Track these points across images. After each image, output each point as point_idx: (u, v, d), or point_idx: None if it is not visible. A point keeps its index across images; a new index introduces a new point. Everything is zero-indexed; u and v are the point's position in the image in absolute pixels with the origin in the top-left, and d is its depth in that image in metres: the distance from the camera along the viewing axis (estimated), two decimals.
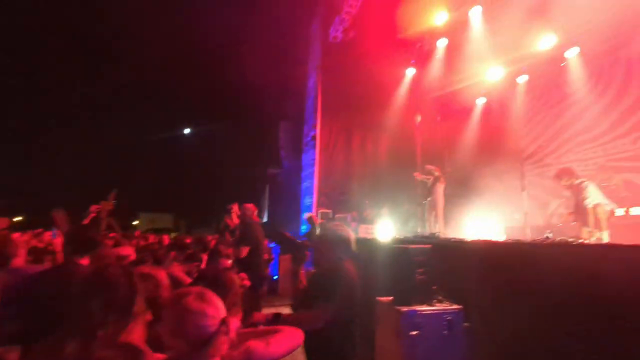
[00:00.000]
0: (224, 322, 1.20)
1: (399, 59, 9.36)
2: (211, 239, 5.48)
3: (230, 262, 2.89)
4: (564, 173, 4.60)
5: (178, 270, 2.72)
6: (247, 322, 1.84)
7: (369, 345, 3.20)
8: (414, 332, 2.74)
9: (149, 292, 1.47)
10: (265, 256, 5.71)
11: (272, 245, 8.67)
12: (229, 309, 1.38)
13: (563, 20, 6.59)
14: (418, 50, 9.15)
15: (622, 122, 6.86)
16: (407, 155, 9.30)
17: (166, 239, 7.28)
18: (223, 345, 1.20)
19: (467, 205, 7.54)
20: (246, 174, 17.34)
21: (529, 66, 7.78)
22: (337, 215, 9.03)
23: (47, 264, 3.18)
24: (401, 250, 3.16)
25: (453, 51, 8.52)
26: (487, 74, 8.27)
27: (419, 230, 6.93)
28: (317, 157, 10.43)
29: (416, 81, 9.62)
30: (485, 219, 7.21)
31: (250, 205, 5.22)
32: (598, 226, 4.08)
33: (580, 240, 3.40)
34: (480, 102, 9.25)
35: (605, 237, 4.03)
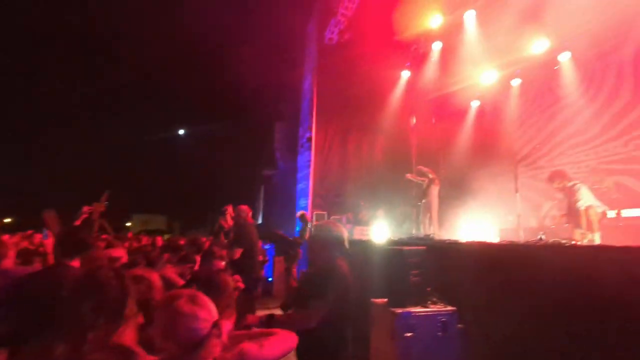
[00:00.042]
0: (215, 324, 1.19)
1: (394, 61, 9.40)
2: (205, 241, 5.43)
3: (223, 263, 2.87)
4: (557, 175, 4.65)
5: (171, 272, 2.69)
6: (240, 324, 1.83)
7: (364, 347, 3.19)
8: (409, 334, 2.74)
9: (141, 295, 1.45)
10: (260, 258, 5.68)
11: (267, 247, 8.65)
12: (222, 310, 1.37)
13: (555, 24, 6.68)
14: (413, 52, 9.20)
15: (613, 125, 6.95)
16: (403, 157, 9.34)
17: (159, 240, 7.22)
18: (215, 348, 1.18)
19: (462, 207, 7.58)
20: (241, 175, 17.29)
21: (522, 70, 7.87)
22: (332, 217, 9.03)
23: (37, 266, 3.14)
24: (396, 252, 3.17)
25: (448, 54, 8.59)
26: (481, 77, 8.34)
27: (413, 231, 6.95)
28: (312, 158, 10.42)
29: (411, 83, 9.67)
30: (480, 221, 7.25)
31: (244, 207, 5.19)
32: (590, 228, 4.13)
33: (572, 242, 3.43)
34: (475, 104, 9.33)
35: (597, 239, 4.07)
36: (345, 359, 2.16)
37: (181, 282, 2.34)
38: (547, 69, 7.71)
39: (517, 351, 2.60)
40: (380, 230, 7.24)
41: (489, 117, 9.19)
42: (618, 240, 4.05)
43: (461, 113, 9.48)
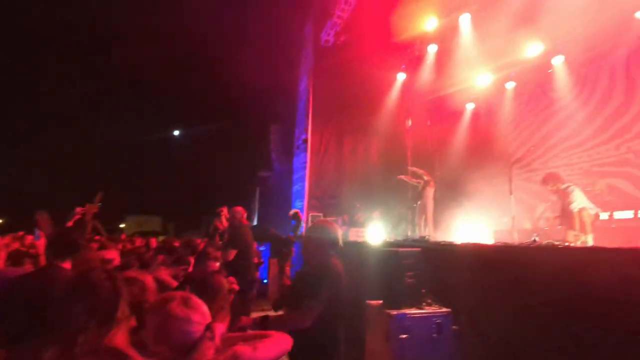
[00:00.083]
0: (209, 327, 1.18)
1: (390, 64, 9.44)
2: (200, 242, 5.40)
3: (218, 264, 2.85)
4: (551, 178, 4.69)
5: (164, 274, 2.66)
6: (235, 326, 1.81)
7: (359, 349, 3.19)
8: (404, 336, 2.74)
9: (134, 297, 1.43)
10: (255, 260, 5.65)
11: (262, 248, 8.61)
12: (216, 312, 1.36)
13: (549, 28, 6.75)
14: (409, 55, 9.26)
15: (605, 128, 7.04)
16: (398, 158, 9.38)
17: (154, 242, 7.16)
18: (208, 351, 1.17)
19: (457, 208, 7.62)
20: (237, 176, 17.22)
21: (516, 73, 7.94)
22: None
23: (28, 267, 3.09)
24: (391, 254, 3.17)
25: (443, 57, 8.65)
26: (476, 79, 8.41)
27: (409, 233, 6.97)
28: (308, 160, 10.42)
29: (407, 86, 9.72)
30: (474, 223, 7.29)
31: (239, 208, 5.17)
32: (583, 230, 4.17)
33: (566, 244, 3.46)
34: (470, 107, 9.39)
35: (590, 241, 4.11)
36: (337, 358, 2.15)
37: (175, 284, 2.31)
38: (541, 72, 7.80)
39: (511, 352, 2.61)
40: (375, 231, 7.25)
41: (484, 119, 9.27)
42: (610, 241, 4.10)
43: (456, 115, 9.54)
